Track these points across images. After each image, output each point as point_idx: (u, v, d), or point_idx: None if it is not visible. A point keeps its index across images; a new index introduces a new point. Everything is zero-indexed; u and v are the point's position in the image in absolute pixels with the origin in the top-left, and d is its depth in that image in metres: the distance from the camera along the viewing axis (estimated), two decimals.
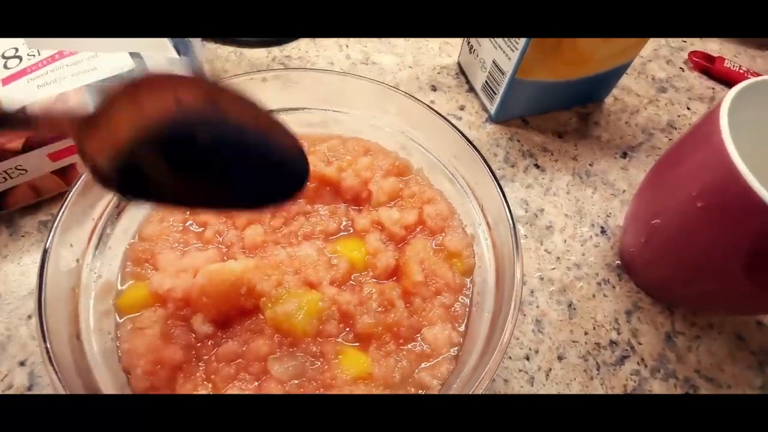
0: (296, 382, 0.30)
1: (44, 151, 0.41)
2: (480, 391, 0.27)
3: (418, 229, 0.39)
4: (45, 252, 0.28)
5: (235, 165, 0.25)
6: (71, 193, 0.30)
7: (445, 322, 0.34)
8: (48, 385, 0.37)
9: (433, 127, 0.40)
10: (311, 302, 0.33)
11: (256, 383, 0.31)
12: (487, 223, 0.36)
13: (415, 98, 0.39)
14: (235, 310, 0.32)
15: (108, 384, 0.29)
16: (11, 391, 0.37)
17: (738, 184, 0.30)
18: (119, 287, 0.34)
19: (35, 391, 0.37)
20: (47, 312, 0.27)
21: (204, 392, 0.30)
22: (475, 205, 0.38)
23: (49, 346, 0.25)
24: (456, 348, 0.33)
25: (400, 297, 0.34)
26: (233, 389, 0.30)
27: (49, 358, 0.25)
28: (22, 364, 0.38)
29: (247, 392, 0.30)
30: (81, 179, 0.31)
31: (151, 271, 0.35)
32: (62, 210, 0.30)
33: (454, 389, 0.30)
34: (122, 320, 0.33)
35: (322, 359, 0.31)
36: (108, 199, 0.35)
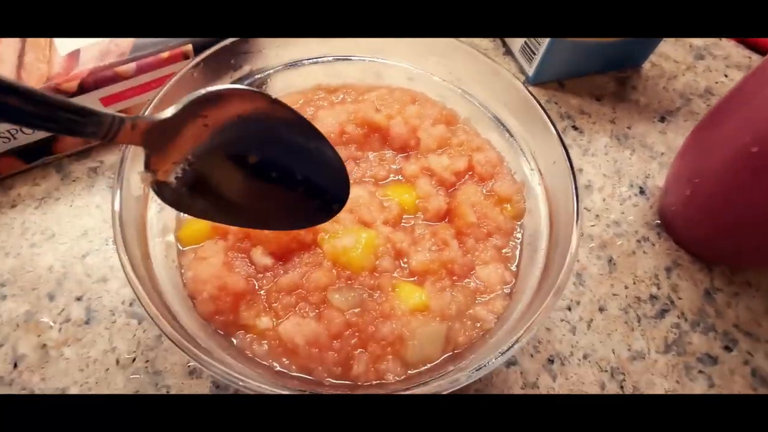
0: (356, 310, 0.31)
1: (97, 95, 0.42)
2: (534, 326, 0.27)
3: (467, 176, 0.39)
4: (120, 173, 0.29)
5: (288, 172, 0.27)
6: (147, 110, 0.31)
7: (498, 262, 0.35)
8: (105, 319, 0.38)
9: (481, 76, 0.40)
10: (368, 238, 0.33)
11: (317, 311, 0.31)
12: (539, 169, 0.37)
13: (467, 45, 0.40)
14: (294, 243, 0.33)
15: (176, 305, 0.30)
16: (69, 324, 0.38)
17: None
18: (180, 218, 0.35)
19: (92, 325, 0.38)
20: (124, 232, 0.28)
21: (266, 320, 0.31)
22: (526, 151, 0.38)
23: (129, 257, 0.26)
24: (509, 286, 0.34)
25: (454, 237, 0.35)
26: (294, 317, 0.31)
27: (133, 268, 0.26)
28: (78, 299, 0.39)
29: (307, 320, 0.31)
30: (153, 104, 0.32)
31: None
32: None
33: (510, 324, 0.31)
34: (185, 249, 0.34)
35: (379, 291, 0.32)
36: None
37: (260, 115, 0.25)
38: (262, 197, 0.27)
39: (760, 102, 0.34)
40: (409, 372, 0.30)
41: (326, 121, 0.39)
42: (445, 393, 0.26)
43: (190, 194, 0.26)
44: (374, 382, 0.30)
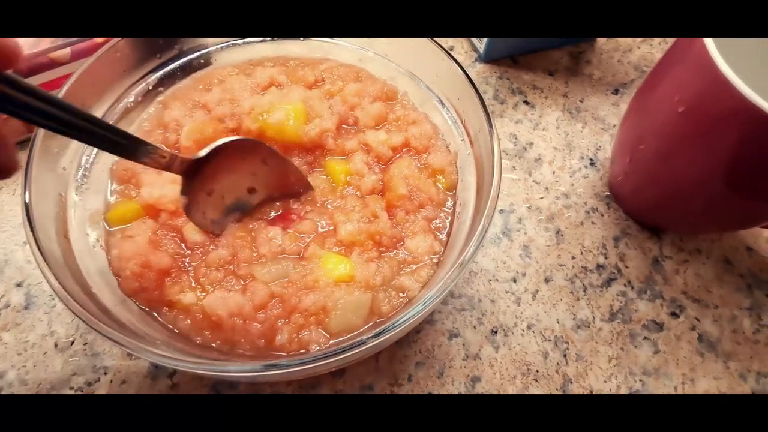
0: (284, 280, 0.31)
1: (34, 81, 0.41)
2: (448, 284, 0.27)
3: (404, 150, 0.39)
4: (31, 144, 0.29)
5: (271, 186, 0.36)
6: (60, 92, 0.31)
7: (427, 233, 0.34)
8: (44, 304, 0.38)
9: (417, 50, 0.40)
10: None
11: (242, 284, 0.31)
12: (469, 136, 0.36)
13: None
14: None
15: (98, 283, 0.30)
16: (8, 310, 0.38)
17: (717, 80, 0.30)
18: (107, 201, 0.35)
19: (32, 310, 0.38)
20: (33, 206, 0.28)
21: (192, 295, 0.31)
22: (458, 121, 0.38)
23: (35, 233, 0.26)
24: (437, 255, 0.34)
25: (384, 209, 0.35)
26: (219, 291, 0.31)
27: (37, 244, 0.26)
28: (18, 285, 0.39)
29: (232, 293, 0.30)
30: (67, 85, 0.32)
31: (135, 192, 0.35)
32: None
33: (434, 289, 0.30)
34: (112, 230, 0.34)
35: (304, 262, 0.32)
36: (98, 113, 0.36)
37: (256, 154, 0.34)
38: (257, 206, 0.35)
39: (686, 63, 0.34)
40: (332, 342, 0.30)
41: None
42: (362, 357, 0.26)
43: (212, 217, 0.33)
44: (298, 353, 0.30)
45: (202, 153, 0.31)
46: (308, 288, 0.31)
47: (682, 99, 0.33)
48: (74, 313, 0.25)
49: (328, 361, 0.26)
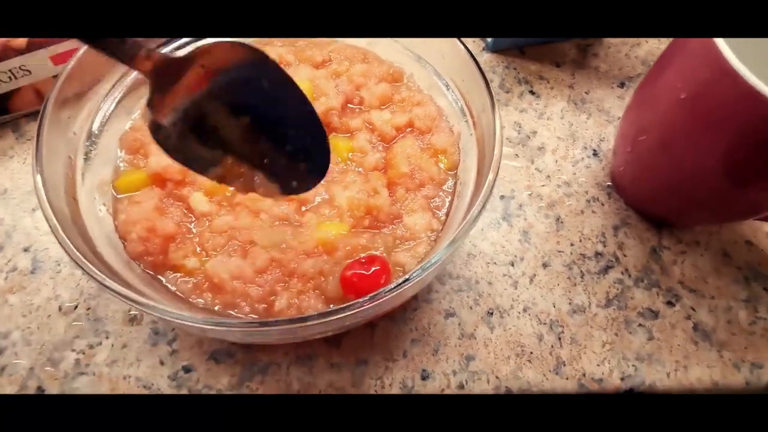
0: (282, 246, 0.32)
1: (47, 53, 0.42)
2: (440, 256, 0.28)
3: (408, 130, 0.40)
4: (43, 108, 0.29)
5: (275, 132, 0.28)
6: (71, 61, 0.32)
7: (426, 210, 0.35)
8: (50, 269, 0.39)
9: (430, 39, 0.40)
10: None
11: (243, 249, 0.32)
12: (472, 117, 0.37)
13: None
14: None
15: (104, 246, 0.31)
16: (15, 273, 0.39)
17: (721, 67, 0.31)
18: (116, 169, 0.36)
19: (38, 274, 0.39)
20: (44, 165, 0.28)
21: (195, 260, 0.32)
22: (461, 100, 0.38)
23: (45, 188, 0.27)
24: (435, 233, 0.34)
25: (385, 186, 0.35)
26: (222, 255, 0.32)
27: (47, 198, 0.27)
28: (26, 250, 0.40)
29: (234, 258, 0.31)
30: (78, 56, 0.32)
31: (143, 162, 0.36)
32: (62, 75, 0.31)
33: (430, 264, 0.31)
34: (120, 197, 0.34)
35: (302, 229, 0.33)
36: (109, 83, 0.36)
37: (255, 72, 0.26)
38: (247, 155, 0.28)
39: (690, 50, 0.34)
40: (331, 306, 0.31)
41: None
42: (356, 324, 0.26)
43: (181, 142, 0.27)
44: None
45: (177, 54, 0.26)
46: (306, 254, 0.32)
47: (684, 86, 0.34)
48: (82, 268, 0.26)
49: (323, 320, 0.26)
